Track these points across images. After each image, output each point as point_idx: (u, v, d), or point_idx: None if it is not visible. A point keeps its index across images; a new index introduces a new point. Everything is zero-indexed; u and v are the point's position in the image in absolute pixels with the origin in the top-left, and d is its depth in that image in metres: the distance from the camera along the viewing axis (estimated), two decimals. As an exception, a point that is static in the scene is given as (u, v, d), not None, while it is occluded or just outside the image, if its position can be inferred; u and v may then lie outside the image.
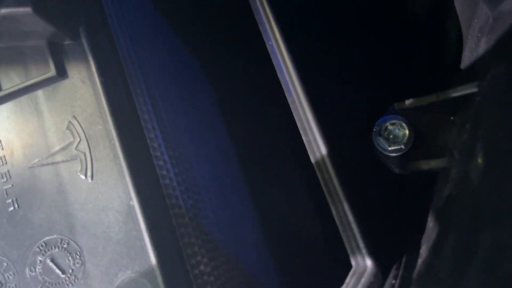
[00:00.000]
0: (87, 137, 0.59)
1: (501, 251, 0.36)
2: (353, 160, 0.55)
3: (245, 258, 0.67)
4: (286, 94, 0.55)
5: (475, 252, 0.38)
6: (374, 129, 0.53)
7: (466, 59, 0.55)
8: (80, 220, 0.58)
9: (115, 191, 0.57)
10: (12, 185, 0.61)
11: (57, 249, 0.58)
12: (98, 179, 0.58)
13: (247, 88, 0.81)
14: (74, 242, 0.58)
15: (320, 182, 0.53)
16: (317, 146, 0.53)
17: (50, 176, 0.60)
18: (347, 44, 0.67)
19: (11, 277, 0.59)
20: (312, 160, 0.54)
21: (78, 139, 0.60)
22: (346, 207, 0.51)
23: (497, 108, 0.43)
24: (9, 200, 0.61)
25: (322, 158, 0.53)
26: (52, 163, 0.60)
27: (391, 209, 0.59)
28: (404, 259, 0.53)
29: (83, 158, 0.59)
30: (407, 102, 0.52)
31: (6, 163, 0.62)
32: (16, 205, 0.60)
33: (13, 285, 0.59)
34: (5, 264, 0.59)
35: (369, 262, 0.49)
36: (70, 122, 0.60)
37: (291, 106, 0.55)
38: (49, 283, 0.58)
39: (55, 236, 0.59)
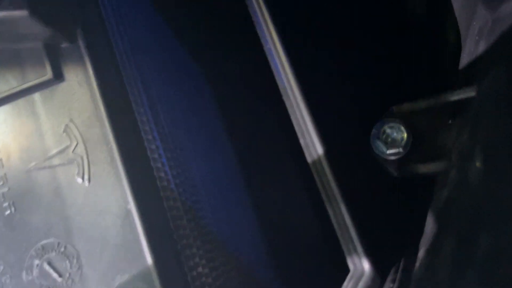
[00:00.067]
0: (84, 140, 0.59)
1: (500, 254, 0.36)
2: (351, 163, 0.55)
3: (243, 259, 0.67)
4: (284, 98, 0.55)
5: (473, 255, 0.38)
6: (372, 132, 0.53)
7: (465, 61, 0.55)
8: (77, 223, 0.58)
9: (112, 195, 0.57)
10: (9, 188, 0.61)
11: (54, 252, 0.58)
12: (95, 182, 0.58)
13: (245, 89, 0.81)
14: (71, 245, 0.58)
15: (318, 185, 0.53)
16: (314, 149, 0.53)
17: (47, 180, 0.59)
18: (345, 47, 0.67)
19: (7, 280, 0.59)
20: (310, 164, 0.54)
21: (75, 143, 0.59)
22: (344, 210, 0.51)
23: (496, 111, 0.43)
24: (6, 204, 0.60)
25: (320, 161, 0.53)
26: (49, 167, 0.60)
27: (389, 212, 0.59)
28: (402, 263, 0.53)
29: (80, 161, 0.59)
30: (406, 105, 0.52)
31: (3, 166, 0.61)
32: (13, 209, 0.60)
33: (10, 289, 0.59)
34: (1, 267, 0.59)
35: (367, 266, 0.49)
36: (67, 125, 0.60)
37: (289, 110, 0.55)
38: (46, 286, 0.58)
39: (52, 239, 0.58)
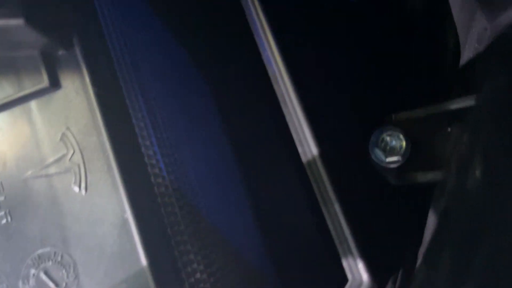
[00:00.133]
0: (81, 148, 0.59)
1: (499, 264, 0.35)
2: (349, 171, 0.55)
3: (242, 264, 0.67)
4: (282, 106, 0.55)
5: (472, 266, 0.38)
6: (371, 140, 0.53)
7: (464, 69, 0.55)
8: (74, 232, 0.57)
9: (109, 204, 0.57)
10: (5, 197, 0.60)
11: (50, 262, 0.58)
12: (92, 191, 0.58)
13: (244, 91, 0.81)
14: (68, 255, 0.57)
15: (316, 193, 0.53)
16: (312, 157, 0.53)
17: (44, 188, 0.59)
18: (343, 55, 0.67)
19: (4, 290, 0.58)
20: (308, 172, 0.53)
21: (72, 151, 0.59)
22: (342, 219, 0.51)
23: (495, 120, 0.42)
24: (2, 213, 0.60)
25: (318, 170, 0.52)
26: (46, 175, 0.59)
27: (388, 221, 0.59)
28: (401, 273, 0.53)
29: (77, 170, 0.58)
30: (404, 113, 0.52)
31: (-1, 174, 0.61)
32: (9, 218, 0.60)
33: (6, 298, 0.58)
34: (-2, 277, 0.59)
35: (365, 276, 0.49)
36: (63, 133, 0.60)
37: (287, 117, 0.54)
38: (42, 296, 0.57)
39: (49, 248, 0.58)
